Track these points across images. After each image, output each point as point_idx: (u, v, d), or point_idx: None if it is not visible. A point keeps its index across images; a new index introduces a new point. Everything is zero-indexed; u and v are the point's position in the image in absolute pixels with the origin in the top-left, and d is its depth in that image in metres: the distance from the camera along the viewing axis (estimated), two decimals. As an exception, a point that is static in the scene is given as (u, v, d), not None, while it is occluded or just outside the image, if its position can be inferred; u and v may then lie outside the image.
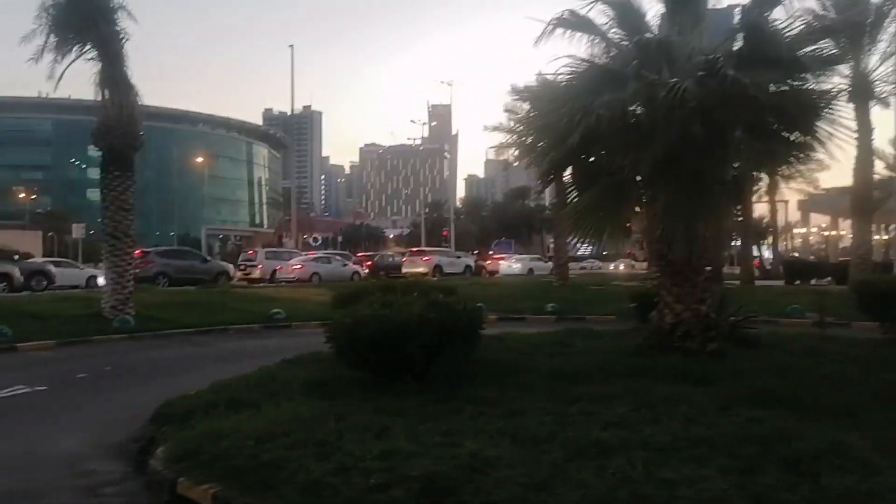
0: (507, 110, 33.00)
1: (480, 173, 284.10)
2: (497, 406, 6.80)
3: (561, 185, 31.01)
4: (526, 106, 31.69)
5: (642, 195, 9.58)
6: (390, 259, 48.42)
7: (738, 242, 36.80)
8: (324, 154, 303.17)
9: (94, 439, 7.48)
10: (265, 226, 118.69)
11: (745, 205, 21.16)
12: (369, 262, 45.51)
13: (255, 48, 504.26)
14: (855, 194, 24.76)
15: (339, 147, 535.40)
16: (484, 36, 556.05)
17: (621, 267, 69.10)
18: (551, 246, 72.36)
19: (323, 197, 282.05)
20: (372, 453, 5.31)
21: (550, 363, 9.18)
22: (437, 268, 43.62)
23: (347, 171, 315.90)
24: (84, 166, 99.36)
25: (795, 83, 9.16)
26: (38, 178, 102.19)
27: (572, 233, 10.35)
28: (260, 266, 39.14)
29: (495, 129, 33.82)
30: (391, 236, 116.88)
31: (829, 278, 35.41)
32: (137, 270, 20.89)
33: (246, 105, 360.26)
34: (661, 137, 8.51)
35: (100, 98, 18.41)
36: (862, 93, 22.24)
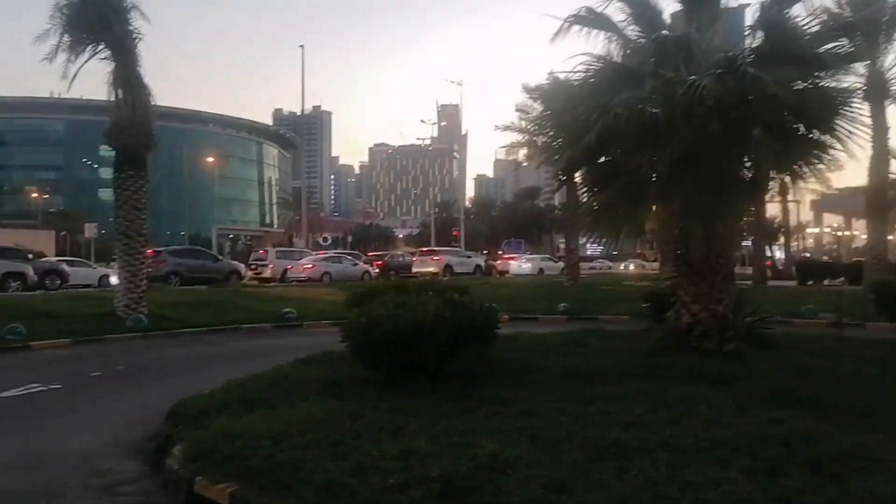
0: (518, 109, 32.97)
1: (490, 173, 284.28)
2: (512, 406, 6.75)
3: (573, 185, 30.96)
4: (537, 105, 31.75)
5: (659, 194, 9.48)
6: (401, 259, 48.41)
7: (749, 242, 36.60)
8: (333, 154, 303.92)
9: (109, 438, 7.47)
10: (275, 226, 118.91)
11: (759, 204, 20.98)
12: (379, 262, 45.51)
13: (265, 48, 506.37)
14: (870, 194, 24.53)
15: (349, 147, 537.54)
16: (493, 35, 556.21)
17: (631, 267, 68.91)
18: (561, 246, 72.34)
19: (332, 197, 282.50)
20: (389, 453, 5.26)
21: (565, 363, 9.12)
22: (448, 267, 43.55)
23: (357, 171, 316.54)
24: (96, 166, 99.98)
25: (816, 81, 9.05)
26: (51, 178, 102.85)
27: (588, 232, 10.27)
28: (271, 265, 39.20)
29: (507, 128, 33.76)
30: (400, 236, 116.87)
31: (842, 279, 35.18)
32: (150, 269, 20.95)
33: (256, 105, 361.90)
34: (679, 136, 8.43)
35: (113, 98, 18.51)
36: (877, 92, 22.02)
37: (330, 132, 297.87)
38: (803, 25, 9.19)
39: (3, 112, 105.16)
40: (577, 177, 11.69)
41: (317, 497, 4.74)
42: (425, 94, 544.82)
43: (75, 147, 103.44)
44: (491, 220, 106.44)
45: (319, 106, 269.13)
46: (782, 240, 52.80)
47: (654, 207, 10.11)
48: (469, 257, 49.25)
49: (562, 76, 10.58)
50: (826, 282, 35.88)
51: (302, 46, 58.81)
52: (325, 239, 75.96)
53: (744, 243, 35.04)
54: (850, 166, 9.76)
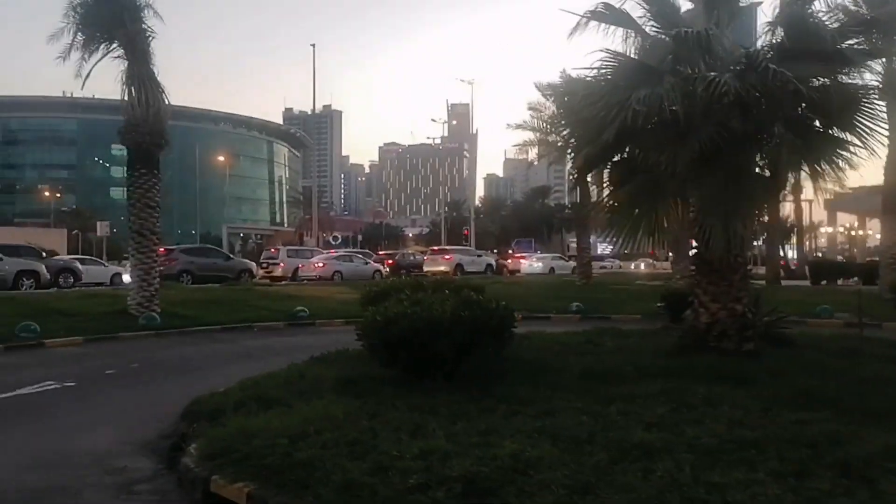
0: (531, 108, 32.79)
1: (500, 172, 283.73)
2: (531, 405, 6.68)
3: (585, 184, 30.82)
4: (550, 104, 31.64)
5: (678, 192, 9.37)
6: (411, 258, 48.37)
7: (760, 242, 36.33)
8: (343, 153, 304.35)
9: (124, 436, 7.44)
10: (285, 224, 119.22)
11: (775, 203, 20.81)
12: (390, 261, 45.49)
13: (276, 47, 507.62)
14: (886, 193, 24.26)
15: (359, 146, 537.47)
16: (504, 34, 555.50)
17: (642, 266, 68.65)
18: (571, 245, 72.13)
19: (342, 196, 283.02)
20: (409, 452, 5.20)
21: (582, 362, 9.03)
22: (459, 266, 43.49)
23: (367, 170, 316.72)
24: (108, 165, 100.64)
25: (837, 77, 8.92)
26: (63, 177, 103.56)
27: (605, 231, 10.16)
28: (282, 264, 39.22)
29: (519, 126, 33.57)
30: (410, 235, 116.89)
31: (856, 278, 34.90)
32: (162, 268, 20.95)
33: (266, 104, 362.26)
34: (699, 133, 8.33)
35: (126, 96, 18.52)
36: (894, 89, 21.75)
37: (340, 131, 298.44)
38: (825, 21, 9.04)
39: (17, 111, 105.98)
40: (593, 175, 11.59)
41: (336, 497, 4.67)
42: (436, 93, 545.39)
43: (87, 146, 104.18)
44: (501, 219, 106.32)
45: (330, 105, 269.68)
46: (794, 239, 52.41)
47: (673, 205, 9.97)
48: (480, 256, 49.13)
49: (578, 73, 10.46)
50: (839, 282, 35.61)
51: (313, 45, 59.07)
52: (335, 238, 76.11)
53: (754, 242, 34.74)
54: (864, 165, 9.61)
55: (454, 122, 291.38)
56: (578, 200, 35.45)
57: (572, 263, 48.16)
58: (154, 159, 18.75)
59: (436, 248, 53.26)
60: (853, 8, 21.11)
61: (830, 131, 9.35)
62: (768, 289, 24.83)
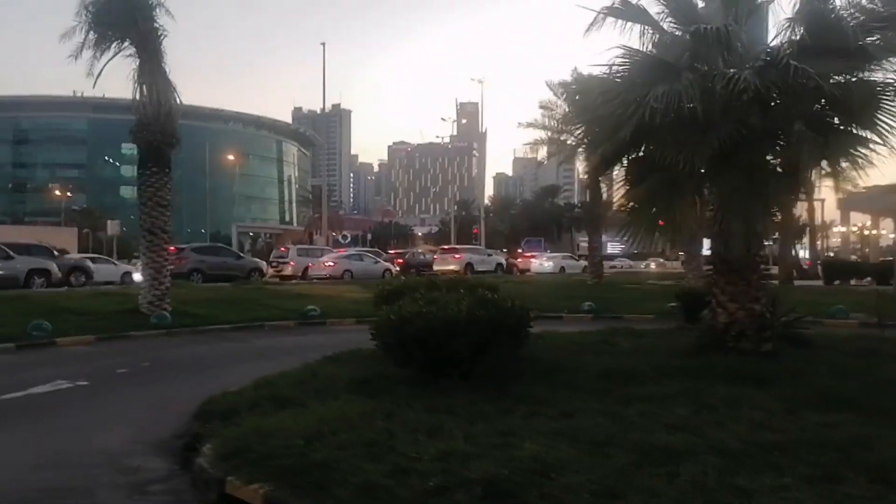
0: (542, 106, 32.68)
1: (508, 171, 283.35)
2: (550, 406, 6.60)
3: (597, 184, 30.61)
4: (562, 102, 31.53)
5: (697, 190, 9.23)
6: (421, 257, 48.28)
7: (771, 241, 36.00)
8: (352, 152, 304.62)
9: (137, 435, 7.40)
10: (294, 223, 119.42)
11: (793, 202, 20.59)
12: (400, 260, 45.44)
13: (284, 46, 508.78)
14: (902, 192, 24.03)
15: (368, 145, 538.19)
16: (513, 33, 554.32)
17: (652, 266, 68.39)
18: (581, 244, 71.95)
19: (352, 195, 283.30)
20: (427, 454, 5.13)
21: (598, 362, 8.94)
22: (469, 265, 43.41)
23: (376, 169, 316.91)
24: (118, 164, 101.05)
25: (858, 73, 8.78)
26: (74, 176, 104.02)
27: (623, 230, 10.02)
28: (292, 263, 39.22)
29: (530, 125, 33.47)
30: (419, 234, 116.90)
31: (869, 278, 34.62)
32: (172, 266, 20.94)
33: (275, 103, 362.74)
34: (718, 130, 8.21)
35: (137, 95, 18.47)
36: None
37: (349, 130, 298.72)
38: (846, 17, 8.89)
39: (27, 111, 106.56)
40: (609, 174, 11.46)
41: (354, 499, 4.60)
42: (445, 92, 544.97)
43: (98, 145, 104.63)
44: (510, 218, 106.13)
45: (339, 104, 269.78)
46: (806, 239, 52.05)
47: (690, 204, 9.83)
48: (490, 255, 49.07)
49: (592, 71, 10.36)
50: (853, 281, 35.32)
51: (323, 44, 58.91)
52: (344, 237, 76.18)
53: (765, 242, 34.47)
54: (879, 163, 9.43)
55: (463, 121, 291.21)
56: (590, 199, 35.32)
57: (582, 262, 48.00)
58: (165, 158, 18.72)
59: (446, 247, 53.22)
60: (868, 6, 20.94)
61: (851, 128, 9.21)
62: (781, 289, 24.65)
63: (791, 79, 7.84)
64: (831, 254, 65.46)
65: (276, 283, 32.60)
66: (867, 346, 10.45)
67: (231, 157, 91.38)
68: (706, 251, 26.68)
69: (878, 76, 9.32)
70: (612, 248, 70.26)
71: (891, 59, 9.05)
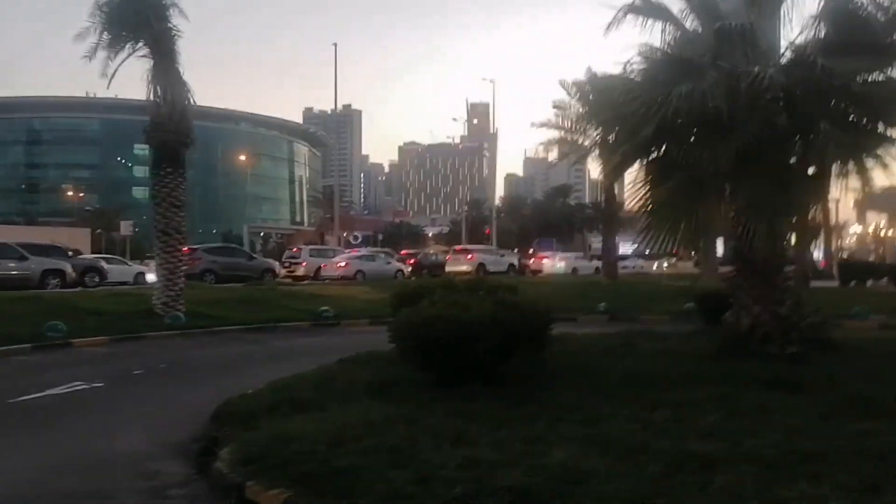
0: (556, 106, 32.44)
1: (519, 171, 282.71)
2: (575, 411, 6.45)
3: (613, 185, 30.36)
4: (575, 101, 31.31)
5: (720, 190, 9.05)
6: (434, 257, 48.07)
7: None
8: (363, 152, 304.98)
9: (154, 438, 7.35)
10: (306, 224, 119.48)
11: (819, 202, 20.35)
12: (412, 260, 45.29)
13: (295, 47, 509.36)
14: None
15: (379, 145, 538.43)
16: (524, 33, 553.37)
17: (665, 266, 67.89)
18: (593, 245, 71.50)
19: (362, 195, 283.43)
20: (453, 461, 5.01)
21: (621, 366, 8.78)
22: (481, 266, 43.13)
23: (387, 169, 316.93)
24: (130, 165, 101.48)
25: (886, 71, 8.60)
26: (86, 177, 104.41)
27: (643, 231, 9.84)
28: (304, 263, 39.15)
29: (543, 125, 33.23)
30: (430, 234, 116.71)
31: (886, 279, 34.25)
32: (185, 267, 20.90)
33: (286, 104, 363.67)
34: (743, 129, 8.05)
35: (151, 95, 18.48)
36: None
37: (360, 131, 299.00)
38: (875, 13, 8.71)
39: (41, 112, 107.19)
40: (628, 174, 11.28)
41: (380, 507, 4.48)
42: (455, 92, 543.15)
43: (110, 146, 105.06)
44: (521, 218, 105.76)
45: (350, 104, 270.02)
46: (820, 239, 51.53)
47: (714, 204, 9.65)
48: (503, 256, 48.76)
49: (610, 70, 10.20)
50: (869, 282, 34.96)
51: (335, 45, 58.64)
52: (355, 237, 76.13)
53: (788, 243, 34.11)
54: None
55: (474, 122, 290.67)
56: (605, 200, 35.10)
57: (595, 263, 47.66)
58: (180, 158, 18.71)
59: (458, 247, 52.92)
60: (886, 3, 20.70)
61: (877, 127, 9.04)
62: (798, 290, 24.37)
63: (818, 77, 7.68)
64: (845, 254, 64.88)
65: (289, 284, 32.56)
66: (894, 349, 10.26)
67: (242, 158, 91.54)
68: (720, 252, 26.45)
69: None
70: (624, 248, 69.86)
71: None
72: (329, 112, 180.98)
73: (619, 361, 9.13)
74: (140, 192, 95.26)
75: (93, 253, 47.28)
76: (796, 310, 9.65)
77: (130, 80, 19.01)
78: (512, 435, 5.70)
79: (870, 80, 8.65)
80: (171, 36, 18.45)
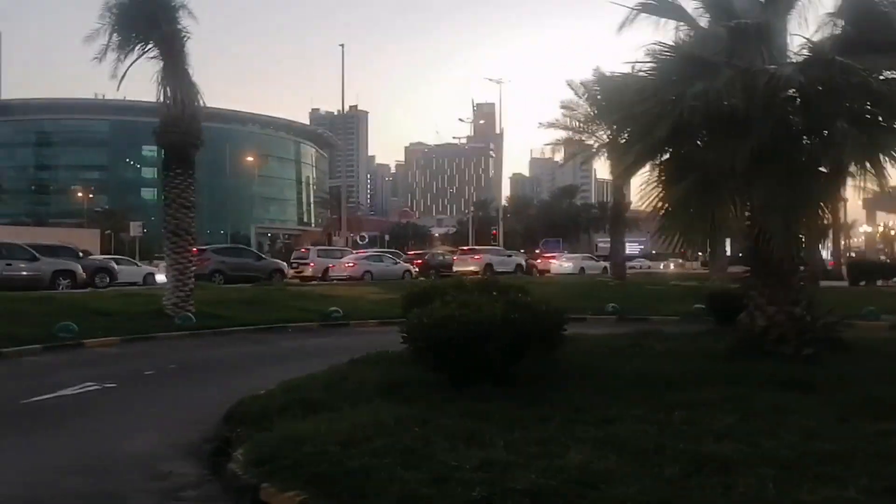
0: (564, 106, 32.42)
1: (525, 172, 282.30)
2: (589, 413, 6.40)
3: (619, 186, 30.26)
4: (583, 101, 31.28)
5: (735, 190, 8.97)
6: (441, 258, 48.01)
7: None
8: (370, 153, 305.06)
9: (167, 438, 7.33)
10: (313, 224, 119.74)
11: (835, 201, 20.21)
12: (419, 261, 45.25)
13: (301, 48, 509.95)
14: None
15: (385, 146, 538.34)
16: (530, 34, 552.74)
17: (671, 266, 67.69)
18: (599, 245, 71.42)
19: (369, 196, 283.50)
20: (468, 462, 4.97)
21: (632, 366, 8.73)
22: (489, 266, 43.04)
23: (393, 170, 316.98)
24: (139, 166, 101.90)
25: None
26: (96, 178, 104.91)
27: (659, 232, 9.76)
28: (312, 264, 39.19)
29: (551, 125, 33.22)
30: (437, 235, 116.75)
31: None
32: (194, 267, 20.93)
33: (293, 105, 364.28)
34: (759, 128, 7.97)
35: (161, 96, 18.50)
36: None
37: (366, 131, 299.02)
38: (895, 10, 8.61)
39: (50, 113, 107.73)
40: (641, 174, 11.19)
41: (396, 509, 4.45)
42: (461, 93, 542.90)
43: (119, 147, 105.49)
44: (528, 218, 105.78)
45: (356, 105, 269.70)
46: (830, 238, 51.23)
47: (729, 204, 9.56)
48: (510, 256, 48.65)
49: (620, 69, 10.12)
50: (879, 282, 34.75)
51: (342, 46, 58.73)
52: (362, 238, 76.17)
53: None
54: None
55: (481, 122, 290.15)
56: (613, 200, 35.04)
57: (602, 263, 47.55)
58: (189, 159, 18.73)
59: (465, 247, 52.93)
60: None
61: (892, 125, 8.93)
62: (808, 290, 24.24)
63: (835, 75, 7.60)
64: (853, 254, 64.50)
65: (298, 284, 32.59)
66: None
67: (250, 159, 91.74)
68: (728, 252, 26.29)
69: None
70: (631, 248, 69.72)
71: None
72: (336, 113, 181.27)
73: (631, 362, 9.08)
74: (149, 194, 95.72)
75: (102, 254, 47.44)
76: (811, 310, 9.57)
77: (140, 81, 19.06)
78: (525, 436, 5.66)
79: (889, 77, 8.52)
80: (181, 37, 18.46)
